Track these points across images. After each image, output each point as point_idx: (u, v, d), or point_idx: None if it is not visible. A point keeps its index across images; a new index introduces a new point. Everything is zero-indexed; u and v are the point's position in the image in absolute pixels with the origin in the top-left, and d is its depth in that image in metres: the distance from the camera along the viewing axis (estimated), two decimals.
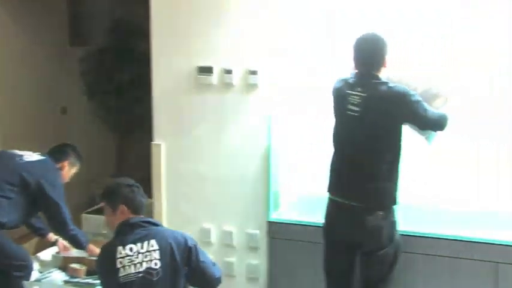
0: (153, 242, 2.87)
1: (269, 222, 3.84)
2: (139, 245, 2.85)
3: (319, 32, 3.87)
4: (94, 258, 3.35)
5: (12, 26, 4.74)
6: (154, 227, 2.96)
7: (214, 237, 4.06)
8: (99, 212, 4.32)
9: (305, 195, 4.03)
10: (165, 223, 4.01)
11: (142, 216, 3.00)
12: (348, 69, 3.33)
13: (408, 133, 3.30)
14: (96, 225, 4.45)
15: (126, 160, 6.02)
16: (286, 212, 3.95)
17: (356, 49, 3.18)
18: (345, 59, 3.39)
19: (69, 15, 5.63)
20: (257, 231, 3.93)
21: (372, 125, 3.13)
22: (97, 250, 3.38)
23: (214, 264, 3.04)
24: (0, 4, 4.59)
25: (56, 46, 5.41)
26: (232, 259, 4.03)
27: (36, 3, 4.96)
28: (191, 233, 3.93)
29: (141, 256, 2.83)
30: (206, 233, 4.05)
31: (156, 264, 2.83)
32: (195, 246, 2.95)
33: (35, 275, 3.67)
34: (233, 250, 4.03)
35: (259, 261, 3.96)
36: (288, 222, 3.83)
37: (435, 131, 3.24)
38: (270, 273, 3.89)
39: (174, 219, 4.09)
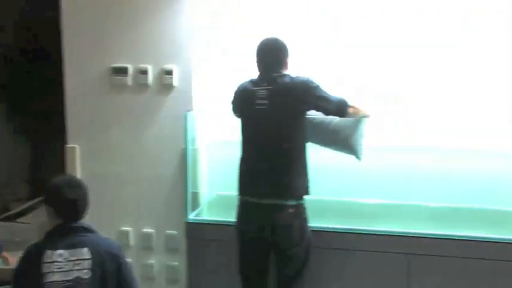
0: (85, 250, 2.73)
1: (187, 223, 3.83)
2: (70, 251, 2.70)
3: (236, 28, 3.90)
4: (7, 267, 3.24)
5: None
6: (90, 234, 2.82)
7: (132, 240, 4.00)
8: (9, 218, 4.18)
9: (224, 194, 4.04)
10: None
11: (81, 220, 2.84)
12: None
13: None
14: (9, 232, 4.30)
15: (40, 164, 5.84)
16: (205, 212, 3.95)
17: (259, 53, 3.31)
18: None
19: None
20: (176, 232, 3.90)
21: (280, 116, 3.21)
22: (12, 259, 3.26)
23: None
24: None
25: None
26: (152, 261, 3.99)
27: None
28: (110, 237, 3.93)
29: (71, 264, 2.69)
30: (124, 235, 3.99)
31: (86, 273, 2.70)
32: (125, 260, 2.86)
33: None
34: (152, 252, 3.99)
35: (178, 262, 3.93)
36: (206, 222, 3.83)
37: (339, 115, 3.33)
38: (190, 274, 3.87)
39: (91, 223, 3.98)
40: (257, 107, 3.24)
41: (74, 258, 2.70)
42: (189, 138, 3.81)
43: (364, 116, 3.41)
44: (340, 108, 3.30)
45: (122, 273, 2.80)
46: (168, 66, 3.81)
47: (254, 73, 3.42)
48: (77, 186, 2.87)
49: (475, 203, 3.76)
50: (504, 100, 3.72)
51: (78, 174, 3.97)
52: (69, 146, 4.00)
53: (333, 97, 3.28)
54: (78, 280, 2.68)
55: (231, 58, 3.94)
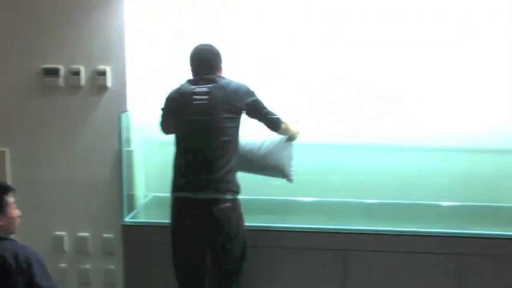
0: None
1: (123, 225, 3.77)
2: None
3: (171, 28, 3.89)
4: None
5: None
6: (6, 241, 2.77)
7: (67, 245, 3.92)
8: None
9: (161, 195, 4.01)
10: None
11: None
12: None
13: None
14: None
15: None
16: (141, 214, 3.90)
17: (194, 58, 3.38)
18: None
19: None
20: (112, 235, 3.85)
21: (219, 111, 3.26)
22: None
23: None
24: None
25: None
26: (88, 266, 3.92)
27: None
28: (44, 242, 3.87)
29: None
30: (59, 240, 3.91)
31: None
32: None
33: None
34: (88, 256, 3.92)
35: (115, 266, 3.88)
36: (143, 224, 3.79)
37: (271, 126, 3.45)
38: (127, 277, 3.81)
39: (24, 229, 3.85)
40: (196, 102, 3.27)
41: None
42: (124, 139, 3.76)
43: (293, 136, 3.54)
44: (273, 117, 3.43)
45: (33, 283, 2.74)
46: (101, 67, 3.75)
47: (188, 73, 3.42)
48: None
49: (408, 199, 3.87)
50: (504, 99, 3.83)
51: (8, 178, 3.86)
52: None
53: (268, 108, 3.42)
54: None
55: (165, 58, 3.92)
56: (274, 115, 3.43)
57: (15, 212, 2.94)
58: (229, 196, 3.26)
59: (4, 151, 3.87)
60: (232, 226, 3.28)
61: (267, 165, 3.53)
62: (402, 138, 3.85)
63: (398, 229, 3.55)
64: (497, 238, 3.49)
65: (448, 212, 3.88)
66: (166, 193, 3.85)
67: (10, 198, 2.91)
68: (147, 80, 3.96)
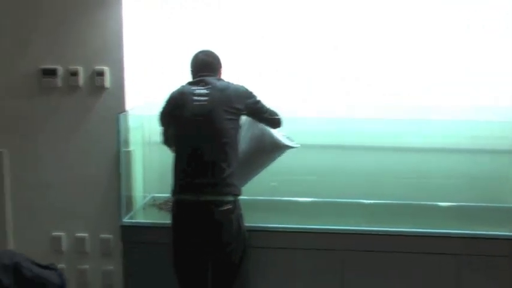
0: None
1: (122, 226, 3.77)
2: None
3: (169, 29, 3.89)
4: None
5: None
6: None
7: (65, 245, 3.92)
8: None
9: (160, 196, 4.01)
10: (11, 235, 3.83)
11: None
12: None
13: None
14: None
15: None
16: (140, 215, 3.90)
17: (195, 62, 3.44)
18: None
19: None
20: (110, 236, 3.84)
21: (219, 112, 3.26)
22: None
23: None
24: None
25: None
26: (86, 266, 3.92)
27: None
28: (42, 243, 3.87)
29: None
30: (57, 241, 3.91)
31: None
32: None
33: None
34: (86, 257, 3.92)
35: (114, 266, 3.87)
36: (141, 225, 3.78)
37: (271, 124, 3.45)
38: (126, 278, 3.81)
39: (22, 230, 3.90)
40: (195, 103, 3.29)
41: None
42: (122, 140, 3.76)
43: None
44: (274, 116, 3.44)
45: None
46: (99, 68, 3.75)
47: (187, 74, 3.45)
48: None
49: (405, 199, 3.88)
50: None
51: (7, 179, 3.86)
52: None
53: (268, 107, 3.44)
54: None
55: (164, 59, 3.92)
56: (275, 114, 3.45)
57: None
58: (230, 198, 3.26)
59: (2, 152, 3.87)
60: (233, 228, 3.28)
61: (264, 148, 3.49)
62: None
63: (398, 229, 3.55)
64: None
65: (461, 212, 3.89)
66: (164, 194, 3.88)
67: None
68: (145, 81, 3.96)
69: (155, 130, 3.89)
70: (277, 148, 3.48)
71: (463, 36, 3.89)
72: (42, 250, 3.87)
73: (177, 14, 3.96)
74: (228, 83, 3.38)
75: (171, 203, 3.81)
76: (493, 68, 3.88)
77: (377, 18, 3.90)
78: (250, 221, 3.45)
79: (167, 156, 3.59)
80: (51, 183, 3.87)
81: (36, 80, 3.80)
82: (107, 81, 3.76)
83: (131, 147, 3.85)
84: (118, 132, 3.73)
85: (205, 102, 3.28)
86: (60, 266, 3.89)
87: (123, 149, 3.77)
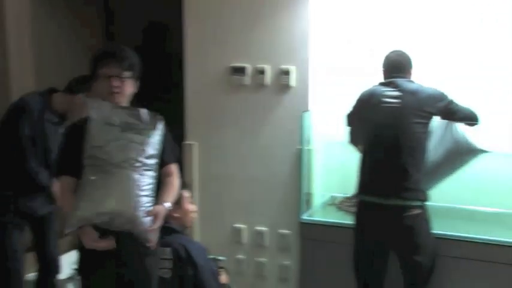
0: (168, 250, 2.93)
1: (301, 222, 3.83)
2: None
3: (353, 30, 3.87)
4: None
5: (52, 26, 4.82)
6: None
7: (245, 237, 4.06)
8: None
9: (338, 195, 4.02)
10: (196, 223, 4.04)
11: None
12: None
13: None
14: None
15: None
16: (318, 213, 3.93)
17: (387, 61, 3.40)
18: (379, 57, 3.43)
19: (106, 15, 5.68)
20: (289, 232, 3.92)
21: (409, 115, 3.21)
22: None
23: None
24: (40, 4, 4.69)
25: (92, 45, 5.47)
26: (264, 259, 4.03)
27: (74, 3, 5.03)
28: (223, 233, 4.04)
29: None
30: (237, 232, 4.06)
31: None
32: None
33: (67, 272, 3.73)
34: (265, 250, 4.03)
35: (290, 262, 3.95)
36: (320, 223, 3.80)
37: (471, 122, 3.31)
38: (301, 274, 3.87)
39: (206, 219, 4.10)
40: (385, 105, 3.26)
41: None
42: (305, 138, 3.82)
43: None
44: (468, 113, 3.30)
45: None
46: (285, 67, 3.83)
47: (371, 78, 3.45)
48: None
49: None
50: None
51: (195, 170, 4.08)
52: (187, 143, 4.11)
53: (461, 106, 3.31)
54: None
55: (348, 61, 3.91)
56: (471, 112, 3.29)
57: (191, 206, 3.11)
58: (417, 203, 3.19)
59: (192, 144, 4.09)
60: (421, 234, 3.20)
61: (458, 151, 3.35)
62: None
63: None
64: None
65: None
66: (343, 193, 3.88)
67: (186, 193, 3.10)
68: (329, 80, 3.98)
69: (337, 129, 3.92)
70: (471, 152, 3.34)
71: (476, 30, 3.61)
72: (223, 240, 4.05)
73: (363, 14, 3.91)
74: (420, 85, 3.30)
75: (349, 203, 3.82)
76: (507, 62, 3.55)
77: None
78: (440, 228, 3.34)
79: (348, 156, 3.59)
80: (235, 177, 4.03)
81: (226, 77, 3.98)
82: (293, 80, 3.83)
83: (313, 146, 3.90)
84: (302, 130, 3.79)
85: (396, 105, 3.23)
86: (240, 256, 4.06)
87: (305, 147, 3.82)
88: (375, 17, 3.83)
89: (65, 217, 2.53)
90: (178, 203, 2.98)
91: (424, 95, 3.24)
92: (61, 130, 3.51)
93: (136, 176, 2.50)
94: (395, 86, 3.29)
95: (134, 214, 2.49)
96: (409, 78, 3.37)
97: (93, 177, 2.49)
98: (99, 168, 2.49)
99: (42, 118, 3.50)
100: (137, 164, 2.51)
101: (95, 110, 2.56)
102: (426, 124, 3.24)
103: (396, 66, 3.37)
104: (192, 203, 3.19)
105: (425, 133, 3.25)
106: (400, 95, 3.25)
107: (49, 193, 3.48)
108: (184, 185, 3.06)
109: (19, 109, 3.49)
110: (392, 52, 3.42)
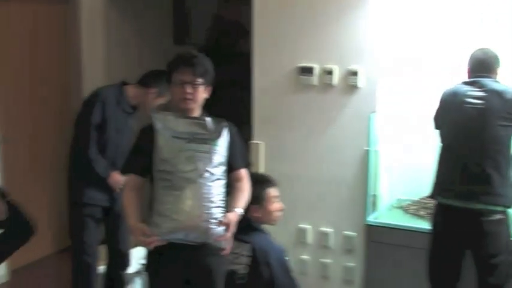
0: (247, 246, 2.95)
1: (367, 225, 3.80)
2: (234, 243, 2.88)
3: (423, 30, 3.81)
4: None
5: (125, 28, 4.95)
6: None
7: (310, 238, 4.06)
8: None
9: (404, 199, 3.96)
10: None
11: None
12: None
13: None
14: None
15: None
16: (384, 216, 3.89)
17: (473, 61, 3.27)
18: (451, 59, 3.37)
19: (174, 14, 5.77)
20: (354, 234, 3.89)
21: (494, 117, 3.11)
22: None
23: None
24: (111, 6, 4.81)
25: (161, 44, 5.57)
26: (328, 260, 4.02)
27: (143, 5, 5.13)
28: (288, 233, 4.04)
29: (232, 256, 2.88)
30: (302, 233, 4.06)
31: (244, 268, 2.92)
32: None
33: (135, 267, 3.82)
34: (329, 251, 4.01)
35: (355, 264, 3.92)
36: (387, 226, 3.76)
37: None
38: (367, 277, 3.84)
39: None
40: (468, 105, 3.17)
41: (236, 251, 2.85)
42: (372, 139, 3.78)
43: None
44: None
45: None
46: (353, 67, 3.80)
47: (443, 83, 3.40)
48: None
49: None
50: None
51: (261, 170, 4.09)
52: (253, 142, 4.14)
53: None
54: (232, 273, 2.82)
55: (416, 59, 3.85)
56: None
57: (276, 205, 3.09)
58: (499, 208, 3.11)
59: (259, 144, 4.12)
60: (502, 240, 3.13)
61: None
62: None
63: None
64: None
65: None
66: (410, 196, 3.82)
67: (272, 192, 3.07)
68: (397, 81, 3.93)
69: (404, 131, 3.87)
70: None
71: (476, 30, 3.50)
72: (288, 240, 4.04)
73: (431, 14, 3.84)
74: (507, 87, 3.18)
75: (416, 206, 3.76)
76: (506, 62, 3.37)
77: None
78: None
79: (414, 159, 3.54)
80: (301, 177, 4.02)
81: (294, 77, 3.98)
82: (360, 80, 3.80)
83: (380, 147, 3.86)
84: (369, 131, 3.76)
85: (480, 106, 3.13)
86: (304, 257, 4.05)
87: (372, 149, 3.79)
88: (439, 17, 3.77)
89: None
90: (259, 202, 2.99)
91: (510, 96, 3.12)
92: (130, 121, 3.65)
93: (206, 188, 2.57)
94: (480, 86, 3.18)
95: (207, 227, 2.56)
96: (495, 78, 3.24)
97: (163, 192, 2.59)
98: (169, 182, 2.59)
99: (117, 107, 3.62)
100: (206, 175, 2.58)
101: (161, 122, 2.64)
102: (511, 127, 3.13)
103: (481, 65, 3.24)
104: (278, 202, 3.16)
105: (509, 136, 3.14)
106: (484, 96, 3.14)
107: (106, 184, 3.59)
108: (270, 183, 3.09)
109: (94, 97, 3.62)
110: (478, 50, 3.30)
